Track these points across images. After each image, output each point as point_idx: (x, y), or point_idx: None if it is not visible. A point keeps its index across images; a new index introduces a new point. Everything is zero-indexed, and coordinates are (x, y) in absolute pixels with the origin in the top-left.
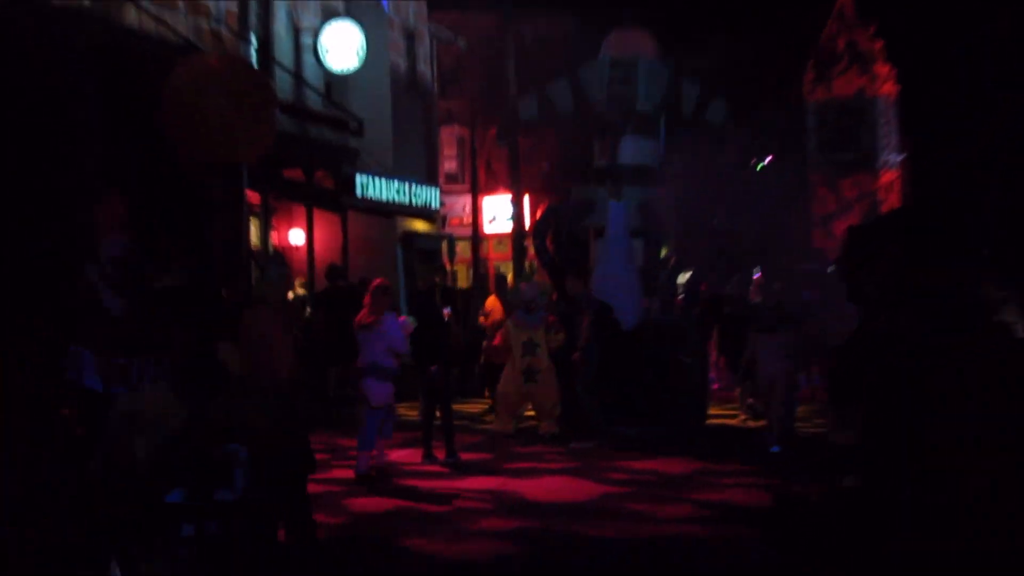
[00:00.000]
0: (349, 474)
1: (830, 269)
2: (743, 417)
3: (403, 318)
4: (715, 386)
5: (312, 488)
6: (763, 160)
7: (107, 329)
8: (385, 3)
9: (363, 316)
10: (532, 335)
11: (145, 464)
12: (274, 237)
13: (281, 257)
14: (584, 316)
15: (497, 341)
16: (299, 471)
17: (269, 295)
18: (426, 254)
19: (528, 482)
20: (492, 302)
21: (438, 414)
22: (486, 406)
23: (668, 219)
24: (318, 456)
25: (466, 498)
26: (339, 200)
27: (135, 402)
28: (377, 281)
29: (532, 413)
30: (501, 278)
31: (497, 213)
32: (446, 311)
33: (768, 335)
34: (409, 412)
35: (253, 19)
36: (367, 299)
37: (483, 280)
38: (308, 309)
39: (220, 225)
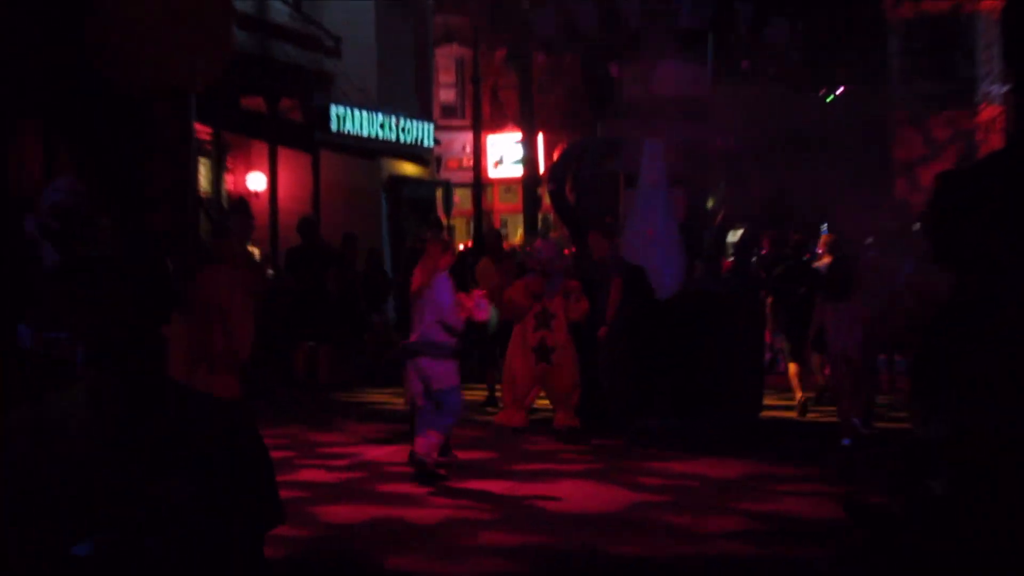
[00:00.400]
0: (318, 476)
1: (915, 227)
2: (800, 397)
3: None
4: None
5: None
6: (833, 92)
7: (45, 295)
8: None
9: (414, 280)
10: (547, 304)
11: (50, 501)
12: (229, 182)
13: (244, 204)
14: (611, 282)
15: (511, 295)
16: (259, 523)
17: (228, 252)
18: (417, 204)
19: (540, 487)
20: (484, 267)
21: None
22: (488, 393)
23: (716, 163)
24: (279, 454)
25: (464, 506)
26: (310, 137)
27: (42, 414)
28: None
29: (546, 402)
30: (494, 235)
31: (504, 154)
32: None
33: (839, 304)
34: (393, 400)
35: None
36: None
37: (494, 238)
38: (270, 271)
39: (162, 167)
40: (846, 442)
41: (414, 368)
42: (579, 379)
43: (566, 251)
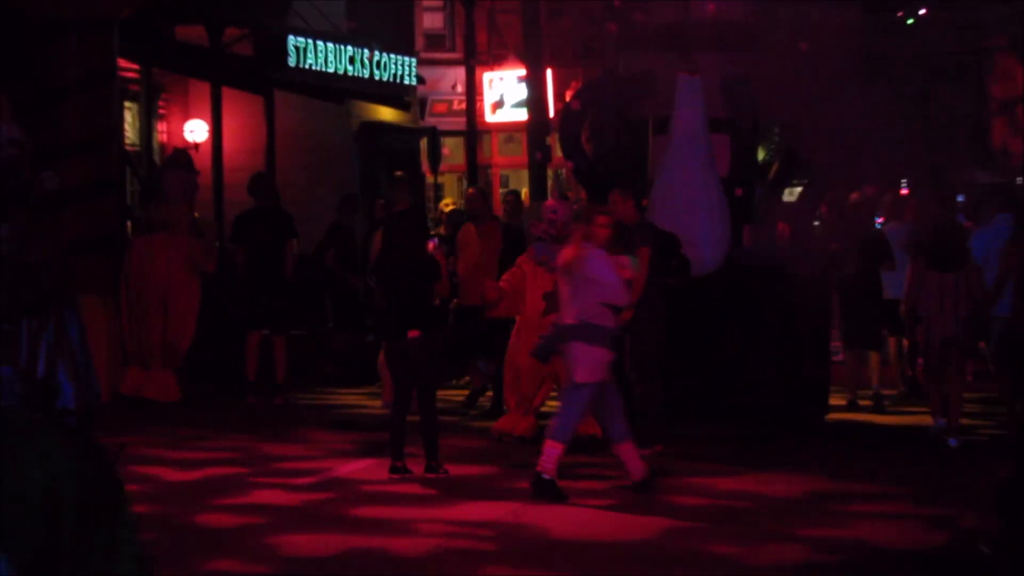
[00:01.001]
0: (276, 497)
1: (1020, 180)
2: (870, 392)
3: (432, 243)
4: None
5: (223, 520)
6: (914, 14)
7: None
8: None
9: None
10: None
11: None
12: (162, 131)
13: (183, 156)
14: (638, 253)
15: (503, 284)
16: None
17: (165, 219)
18: (397, 158)
19: (553, 510)
20: (466, 234)
21: (414, 404)
22: (473, 392)
23: (768, 104)
24: (228, 470)
25: (458, 535)
26: (262, 74)
27: None
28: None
29: (559, 404)
30: (477, 194)
31: (505, 95)
32: (429, 245)
33: (945, 276)
34: (367, 402)
35: None
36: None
37: (476, 198)
38: (217, 242)
39: (77, 113)
40: (952, 442)
41: (566, 353)
42: None
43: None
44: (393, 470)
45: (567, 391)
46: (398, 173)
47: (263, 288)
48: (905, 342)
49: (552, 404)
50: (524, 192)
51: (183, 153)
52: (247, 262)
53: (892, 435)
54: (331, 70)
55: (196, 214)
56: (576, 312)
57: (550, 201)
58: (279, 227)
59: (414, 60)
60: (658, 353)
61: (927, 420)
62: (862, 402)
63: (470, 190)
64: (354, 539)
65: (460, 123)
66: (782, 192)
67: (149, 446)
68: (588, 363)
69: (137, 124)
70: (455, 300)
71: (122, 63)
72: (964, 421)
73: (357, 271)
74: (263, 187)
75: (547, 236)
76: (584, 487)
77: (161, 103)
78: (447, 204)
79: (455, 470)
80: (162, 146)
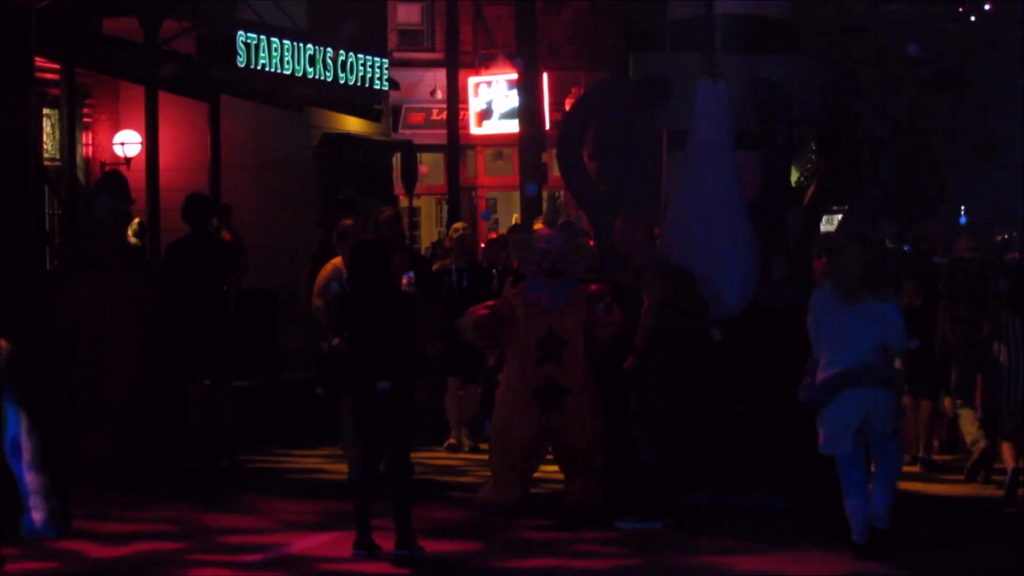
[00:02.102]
0: None
1: None
2: (978, 447)
3: (407, 277)
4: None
5: None
6: (979, 7)
7: None
8: None
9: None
10: (555, 321)
11: None
12: (86, 143)
13: (116, 178)
14: (646, 294)
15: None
16: None
17: (99, 249)
18: (365, 175)
19: None
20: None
21: (383, 466)
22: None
23: (803, 114)
24: (162, 545)
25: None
26: (206, 76)
27: None
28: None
29: (554, 467)
30: (390, 218)
31: (494, 103)
32: (405, 279)
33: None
34: (328, 465)
35: None
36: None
37: (388, 222)
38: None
39: None
40: None
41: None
42: (604, 434)
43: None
44: (358, 546)
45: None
46: (340, 197)
47: (201, 330)
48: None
49: (547, 469)
50: (514, 217)
51: (115, 175)
52: (182, 300)
53: (937, 503)
54: (288, 72)
55: (133, 240)
56: (847, 354)
57: (543, 228)
58: (219, 257)
59: (386, 61)
60: (668, 409)
61: (984, 489)
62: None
63: (385, 212)
64: None
65: (440, 136)
66: (820, 219)
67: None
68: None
69: (57, 135)
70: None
71: (40, 62)
72: None
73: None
74: (199, 210)
75: (540, 270)
76: (582, 565)
77: (86, 110)
78: (456, 230)
79: (431, 546)
80: (87, 161)
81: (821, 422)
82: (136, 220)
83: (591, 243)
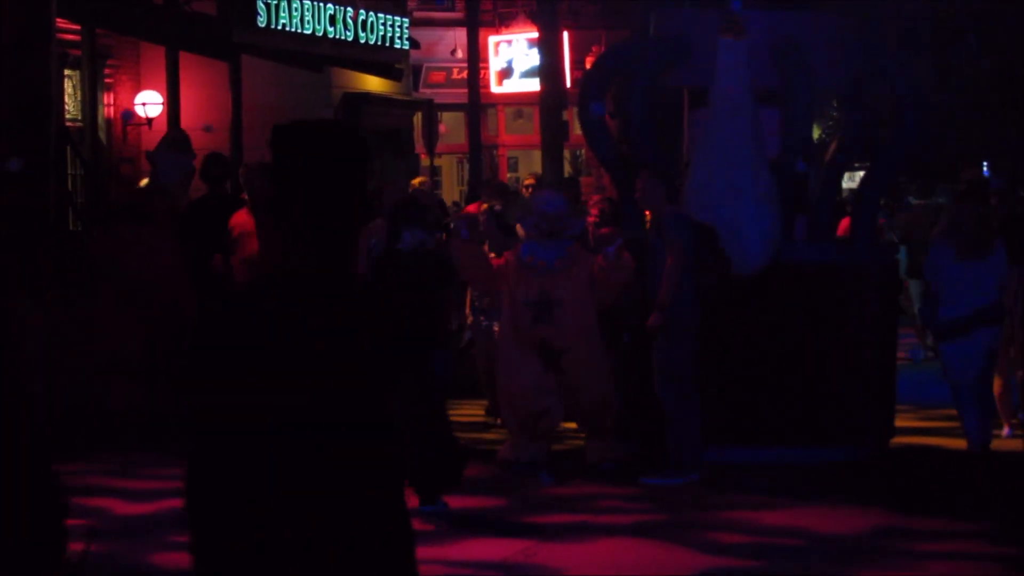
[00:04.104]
0: None
1: None
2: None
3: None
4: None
5: (181, 560)
6: None
7: None
8: None
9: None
10: (547, 283)
11: None
12: (108, 103)
13: (181, 135)
14: (669, 248)
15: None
16: None
17: (159, 208)
18: (386, 135)
19: (569, 549)
20: (241, 224)
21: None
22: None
23: (825, 69)
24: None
25: None
26: (226, 37)
27: None
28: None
29: (572, 424)
30: (257, 169)
31: (514, 62)
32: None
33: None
34: None
35: None
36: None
37: (253, 173)
38: None
39: (7, 81)
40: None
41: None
42: (610, 391)
43: (594, 207)
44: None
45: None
46: None
47: (215, 289)
48: None
49: (569, 426)
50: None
51: (178, 131)
52: (198, 259)
53: (966, 460)
54: (308, 31)
55: None
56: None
57: (543, 190)
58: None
59: (406, 21)
60: (691, 366)
61: (1009, 444)
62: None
63: (419, 179)
64: None
65: (461, 95)
66: (841, 177)
67: (96, 473)
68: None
69: (79, 96)
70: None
71: (61, 23)
72: None
73: None
74: (215, 170)
75: (538, 232)
76: (605, 521)
77: (108, 71)
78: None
79: (455, 502)
80: (108, 121)
81: (952, 354)
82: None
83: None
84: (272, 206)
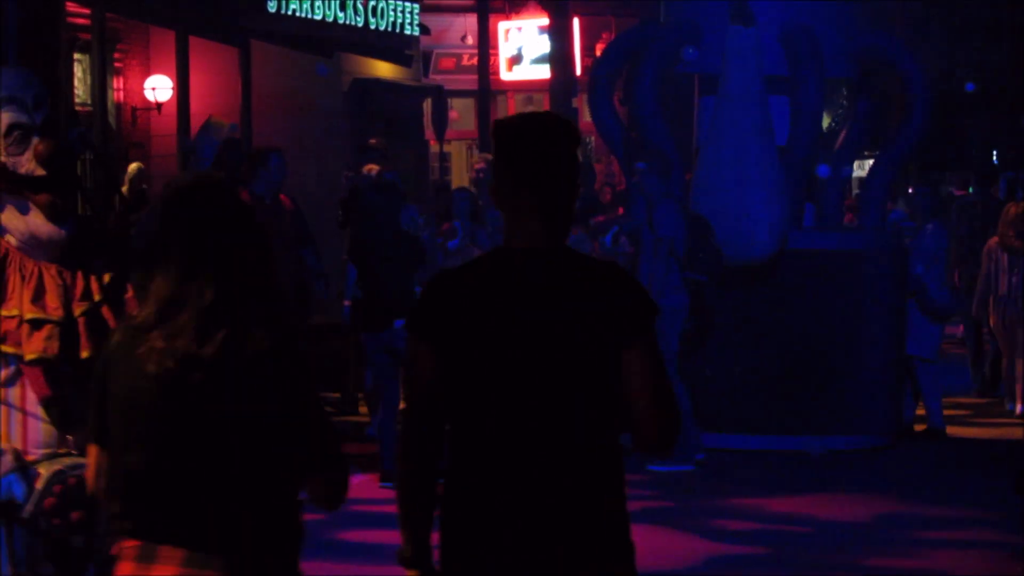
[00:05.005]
0: None
1: None
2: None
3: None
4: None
5: None
6: None
7: None
8: None
9: None
10: None
11: None
12: (117, 88)
13: (219, 124)
14: (657, 247)
15: None
16: None
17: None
18: (395, 121)
19: None
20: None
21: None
22: None
23: (834, 56)
24: None
25: None
26: (235, 22)
27: None
28: None
29: None
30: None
31: (524, 49)
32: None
33: None
34: (359, 418)
35: None
36: None
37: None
38: None
39: (19, 64)
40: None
41: None
42: None
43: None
44: (385, 478)
45: None
46: (372, 141)
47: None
48: None
49: None
50: None
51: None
52: None
53: (975, 448)
54: (318, 17)
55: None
56: None
57: None
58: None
59: (416, 7)
60: (680, 353)
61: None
62: None
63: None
64: (343, 568)
65: (471, 81)
66: (851, 165)
67: None
68: None
69: (89, 80)
70: None
71: (70, 7)
72: None
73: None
74: (232, 155)
75: None
76: None
77: (117, 55)
78: None
79: None
80: (118, 106)
81: None
82: (136, 165)
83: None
84: (496, 191)
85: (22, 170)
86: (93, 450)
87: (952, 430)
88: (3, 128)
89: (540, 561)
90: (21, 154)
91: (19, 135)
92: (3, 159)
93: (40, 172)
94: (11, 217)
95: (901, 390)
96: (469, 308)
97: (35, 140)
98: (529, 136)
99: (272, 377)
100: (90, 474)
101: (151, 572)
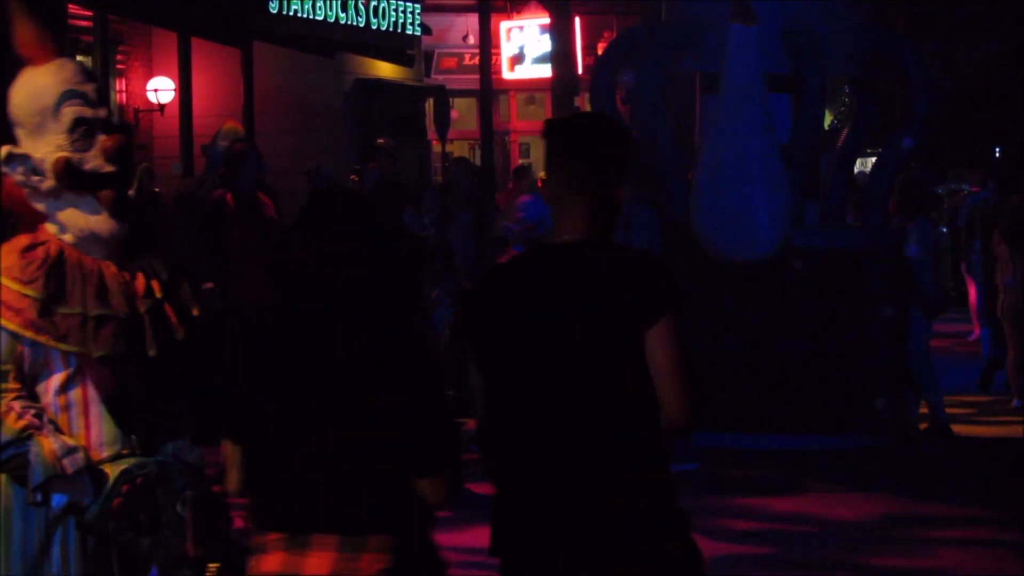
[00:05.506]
0: None
1: None
2: None
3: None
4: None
5: None
6: None
7: None
8: None
9: None
10: None
11: None
12: (120, 89)
13: (237, 134)
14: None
15: None
16: None
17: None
18: (397, 121)
19: None
20: None
21: None
22: None
23: (837, 55)
24: None
25: (477, 564)
26: (239, 23)
27: None
28: None
29: None
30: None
31: (526, 48)
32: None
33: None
34: None
35: None
36: None
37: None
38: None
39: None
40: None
41: None
42: None
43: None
44: None
45: None
46: (380, 141)
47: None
48: None
49: None
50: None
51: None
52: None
53: (979, 446)
54: (320, 17)
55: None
56: None
57: (524, 196)
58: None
59: (418, 7)
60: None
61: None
62: None
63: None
64: None
65: (473, 81)
66: (854, 162)
67: None
68: None
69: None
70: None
71: (73, 8)
72: None
73: None
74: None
75: (519, 239)
76: None
77: (119, 57)
78: None
79: (477, 487)
80: (121, 108)
81: None
82: (144, 165)
83: None
84: (545, 187)
85: (88, 166)
86: (227, 445)
87: (956, 428)
88: (67, 124)
89: (592, 559)
90: (87, 150)
91: (84, 130)
92: (69, 155)
93: (108, 168)
94: (72, 215)
95: (903, 389)
96: (500, 307)
97: (101, 136)
98: (577, 135)
99: (404, 370)
100: (230, 470)
101: (306, 560)
